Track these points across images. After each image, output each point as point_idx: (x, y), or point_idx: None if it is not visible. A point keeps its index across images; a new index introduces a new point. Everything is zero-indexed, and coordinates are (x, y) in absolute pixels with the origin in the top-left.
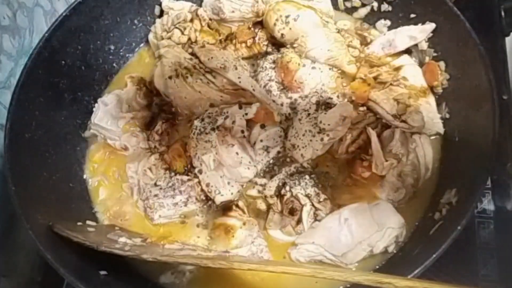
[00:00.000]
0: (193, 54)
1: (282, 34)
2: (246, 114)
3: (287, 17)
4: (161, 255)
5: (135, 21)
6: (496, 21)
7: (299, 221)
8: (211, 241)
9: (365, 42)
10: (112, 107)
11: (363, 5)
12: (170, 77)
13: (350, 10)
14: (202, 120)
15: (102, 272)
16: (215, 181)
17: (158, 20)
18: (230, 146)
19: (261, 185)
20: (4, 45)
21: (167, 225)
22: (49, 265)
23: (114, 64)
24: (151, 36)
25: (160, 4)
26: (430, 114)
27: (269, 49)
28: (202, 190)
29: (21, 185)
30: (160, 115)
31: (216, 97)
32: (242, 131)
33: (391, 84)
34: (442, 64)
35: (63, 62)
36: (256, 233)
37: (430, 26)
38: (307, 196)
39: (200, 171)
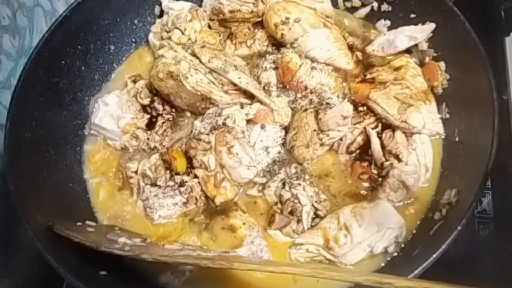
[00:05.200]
0: (193, 54)
1: (282, 34)
2: (247, 114)
3: (287, 17)
4: (161, 255)
5: (135, 21)
6: (496, 21)
7: (299, 221)
8: (211, 241)
9: (365, 42)
10: (112, 107)
11: (363, 5)
12: (170, 77)
13: (350, 10)
14: (202, 120)
15: (102, 272)
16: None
17: (158, 20)
18: (230, 146)
19: (261, 184)
20: (4, 45)
21: (167, 225)
22: (49, 265)
23: (114, 64)
24: (151, 36)
25: (160, 4)
26: (430, 114)
27: (269, 49)
28: (202, 190)
29: (21, 185)
30: (160, 115)
31: (216, 97)
32: (242, 131)
33: (391, 84)
34: (442, 64)
35: (63, 62)
36: (256, 233)
37: (430, 26)
38: (307, 196)
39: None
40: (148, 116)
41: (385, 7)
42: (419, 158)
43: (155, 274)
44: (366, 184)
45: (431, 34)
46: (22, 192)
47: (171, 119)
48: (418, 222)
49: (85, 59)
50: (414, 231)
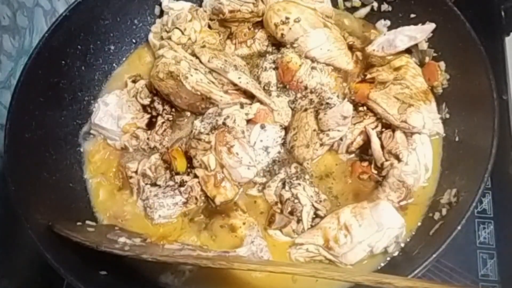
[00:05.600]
0: (193, 54)
1: (282, 34)
2: (247, 114)
3: (287, 17)
4: (161, 255)
5: (135, 21)
6: (496, 21)
7: (299, 221)
8: (210, 240)
9: (365, 42)
10: (112, 107)
11: (363, 5)
12: (170, 77)
13: (350, 10)
14: (202, 120)
15: (102, 272)
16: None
17: (158, 20)
18: (230, 146)
19: (261, 184)
20: (4, 45)
21: (167, 224)
22: (49, 265)
23: (114, 64)
24: (151, 36)
25: (160, 4)
26: (430, 114)
27: (269, 49)
28: (202, 190)
29: (21, 185)
30: (160, 115)
31: (216, 97)
32: (243, 131)
33: (391, 84)
34: (442, 64)
35: (63, 62)
36: (255, 233)
37: (430, 26)
38: (307, 196)
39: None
40: (148, 116)
41: (385, 7)
42: (419, 158)
43: (155, 274)
44: (366, 184)
45: (431, 34)
46: (22, 192)
47: (171, 119)
48: (418, 222)
49: (85, 59)
50: (414, 231)
